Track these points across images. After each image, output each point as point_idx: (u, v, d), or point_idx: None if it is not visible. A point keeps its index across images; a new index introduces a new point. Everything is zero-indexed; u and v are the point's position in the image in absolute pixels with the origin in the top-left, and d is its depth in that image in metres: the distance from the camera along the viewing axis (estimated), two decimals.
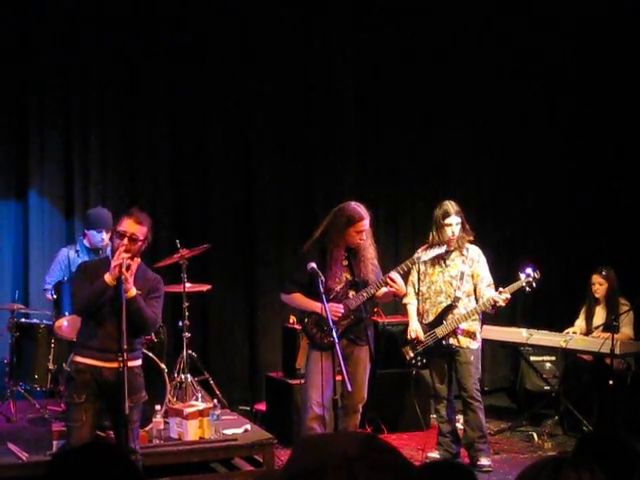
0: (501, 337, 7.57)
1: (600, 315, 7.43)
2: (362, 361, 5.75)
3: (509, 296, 6.19)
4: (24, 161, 7.83)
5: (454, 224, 6.22)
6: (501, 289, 6.20)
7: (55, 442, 5.63)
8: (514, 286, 6.25)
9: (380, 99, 8.80)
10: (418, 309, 6.40)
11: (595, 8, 8.73)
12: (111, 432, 5.20)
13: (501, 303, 6.15)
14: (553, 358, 7.97)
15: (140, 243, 4.87)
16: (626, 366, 7.20)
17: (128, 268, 4.75)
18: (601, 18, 8.79)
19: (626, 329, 7.24)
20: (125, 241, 4.81)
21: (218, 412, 6.49)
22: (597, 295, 7.44)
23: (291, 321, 7.39)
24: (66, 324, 6.27)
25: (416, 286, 6.40)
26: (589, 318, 7.50)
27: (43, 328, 6.66)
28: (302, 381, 6.09)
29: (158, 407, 6.12)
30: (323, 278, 5.29)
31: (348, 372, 5.13)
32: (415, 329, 6.33)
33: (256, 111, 8.44)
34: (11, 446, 5.83)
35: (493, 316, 6.64)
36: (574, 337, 7.26)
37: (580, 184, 9.14)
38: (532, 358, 7.95)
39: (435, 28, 8.80)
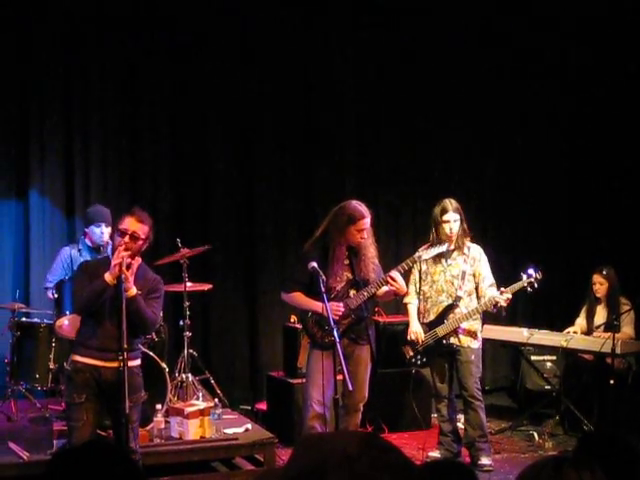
0: (502, 336, 7.57)
1: (601, 314, 7.43)
2: (363, 360, 5.76)
3: (510, 296, 6.19)
4: (25, 161, 7.83)
5: (452, 221, 6.21)
6: (502, 289, 6.20)
7: (56, 441, 5.63)
8: (515, 286, 6.25)
9: (380, 99, 8.80)
10: (419, 308, 6.39)
11: (595, 8, 8.73)
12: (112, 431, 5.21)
13: (502, 303, 6.15)
14: (554, 358, 7.97)
15: (141, 242, 4.86)
16: (627, 365, 7.20)
17: (128, 267, 4.74)
18: (601, 18, 8.79)
19: (627, 328, 7.24)
20: (126, 239, 4.80)
21: (219, 411, 6.49)
22: (598, 294, 7.45)
23: (292, 320, 7.39)
24: (67, 323, 6.27)
25: (417, 286, 6.40)
26: (590, 317, 7.50)
27: (44, 327, 6.67)
28: (303, 380, 6.09)
29: (159, 406, 6.13)
30: (324, 277, 5.29)
31: (349, 371, 5.12)
32: (415, 330, 6.32)
33: (256, 111, 8.45)
34: (12, 445, 5.83)
35: (494, 315, 6.64)
36: (575, 337, 7.26)
37: (580, 184, 9.15)
38: (533, 357, 7.95)
39: (435, 28, 8.80)
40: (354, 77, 8.79)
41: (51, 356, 6.53)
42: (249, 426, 6.41)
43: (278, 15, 8.40)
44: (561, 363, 7.85)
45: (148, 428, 5.98)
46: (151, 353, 6.30)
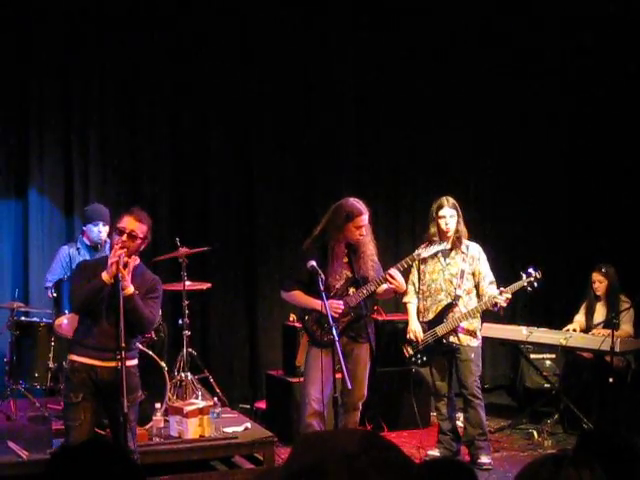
0: (501, 335, 7.57)
1: (600, 312, 7.44)
2: (362, 359, 5.75)
3: (510, 296, 6.19)
4: (24, 160, 7.84)
5: (448, 216, 6.21)
6: (502, 289, 6.20)
7: (55, 440, 5.63)
8: (515, 286, 6.25)
9: (380, 99, 8.81)
10: (418, 307, 6.40)
11: (595, 8, 8.73)
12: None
13: (502, 303, 6.15)
14: (553, 356, 7.97)
15: (139, 241, 4.85)
16: (626, 364, 7.20)
17: (125, 266, 4.73)
18: (601, 18, 8.80)
19: (626, 326, 7.24)
20: (124, 237, 4.79)
21: (218, 410, 6.50)
22: (597, 293, 7.45)
23: (291, 319, 7.40)
24: (66, 322, 6.27)
25: (416, 285, 6.40)
26: (589, 315, 7.50)
27: (43, 326, 6.67)
28: (302, 379, 6.09)
29: (158, 405, 6.13)
30: (323, 276, 5.29)
31: (348, 370, 5.13)
32: (414, 330, 6.33)
33: (256, 111, 8.45)
34: (11, 444, 5.83)
35: (494, 314, 6.64)
36: (574, 335, 7.26)
37: (580, 184, 9.15)
38: (532, 356, 7.95)
39: (435, 28, 8.81)
40: (354, 77, 8.79)
41: (50, 355, 6.53)
42: (248, 425, 6.41)
43: (278, 15, 8.40)
44: (560, 361, 7.86)
45: (147, 427, 5.98)
46: (150, 352, 6.31)
